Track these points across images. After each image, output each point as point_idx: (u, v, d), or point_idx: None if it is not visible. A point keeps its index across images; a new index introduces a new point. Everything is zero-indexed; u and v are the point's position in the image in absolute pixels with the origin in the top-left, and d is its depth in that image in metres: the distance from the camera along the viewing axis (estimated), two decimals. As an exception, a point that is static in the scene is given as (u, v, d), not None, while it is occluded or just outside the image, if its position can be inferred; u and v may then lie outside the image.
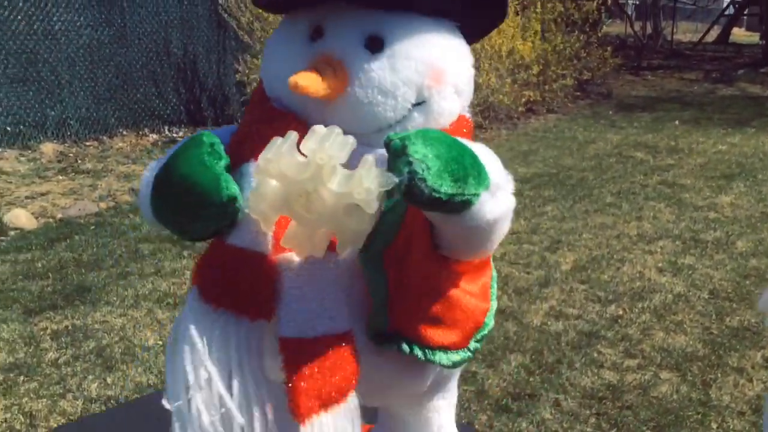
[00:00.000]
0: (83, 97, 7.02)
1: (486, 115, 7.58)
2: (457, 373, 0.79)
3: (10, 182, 5.71)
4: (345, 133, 0.60)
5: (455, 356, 0.70)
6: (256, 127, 0.66)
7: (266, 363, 0.65)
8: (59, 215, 4.90)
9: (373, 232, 0.62)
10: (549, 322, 3.19)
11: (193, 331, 0.64)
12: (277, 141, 0.57)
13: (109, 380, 2.72)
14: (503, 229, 0.67)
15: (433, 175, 0.55)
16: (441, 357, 0.68)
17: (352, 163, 0.58)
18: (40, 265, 3.95)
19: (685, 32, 18.88)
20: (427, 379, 0.71)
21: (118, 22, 7.16)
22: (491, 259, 0.74)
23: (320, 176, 0.56)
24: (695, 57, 14.60)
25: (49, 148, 6.65)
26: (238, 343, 0.63)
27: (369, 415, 0.85)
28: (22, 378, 2.76)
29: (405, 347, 0.67)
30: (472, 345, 0.71)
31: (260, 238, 0.64)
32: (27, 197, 5.33)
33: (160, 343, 3.04)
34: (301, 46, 0.66)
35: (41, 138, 6.74)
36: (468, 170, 0.57)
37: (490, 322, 0.74)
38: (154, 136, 7.46)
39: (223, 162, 0.63)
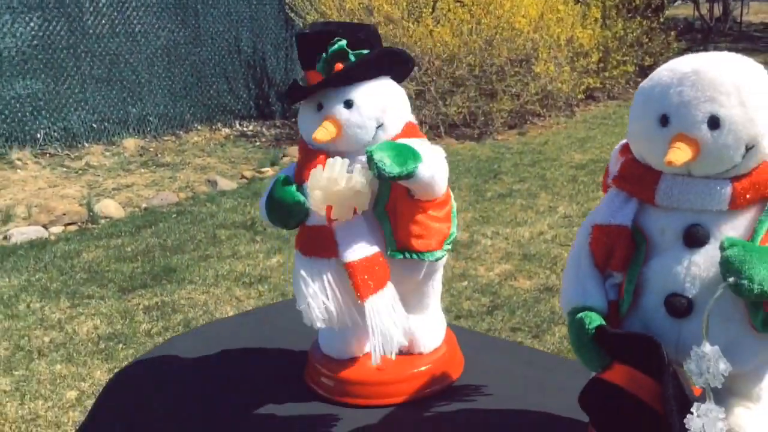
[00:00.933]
0: (161, 94, 7.49)
1: (544, 104, 7.73)
2: (440, 270, 1.30)
3: (98, 175, 6.21)
4: (344, 151, 1.16)
5: (437, 254, 1.21)
6: (305, 162, 1.20)
7: (338, 276, 1.18)
8: (144, 205, 5.35)
9: (377, 197, 1.17)
10: (594, 299, 3.41)
11: (301, 270, 1.18)
12: (312, 172, 1.11)
13: (195, 347, 3.09)
14: (441, 178, 1.16)
15: (387, 166, 1.06)
16: (428, 256, 1.20)
17: (352, 165, 1.13)
18: (129, 249, 4.38)
19: (757, 13, 18.39)
20: (421, 271, 1.24)
21: (192, 23, 7.60)
22: (450, 197, 1.25)
23: (336, 182, 1.10)
24: (765, 39, 14.28)
25: (131, 143, 7.15)
26: (322, 272, 1.17)
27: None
28: (120, 345, 3.16)
29: (407, 255, 1.19)
30: (445, 247, 1.22)
31: (320, 218, 1.16)
32: (114, 189, 5.81)
33: (238, 316, 3.40)
34: (313, 115, 1.18)
35: (124, 134, 7.24)
36: (406, 158, 1.09)
37: (454, 232, 1.25)
38: (226, 130, 7.89)
39: (294, 186, 1.17)
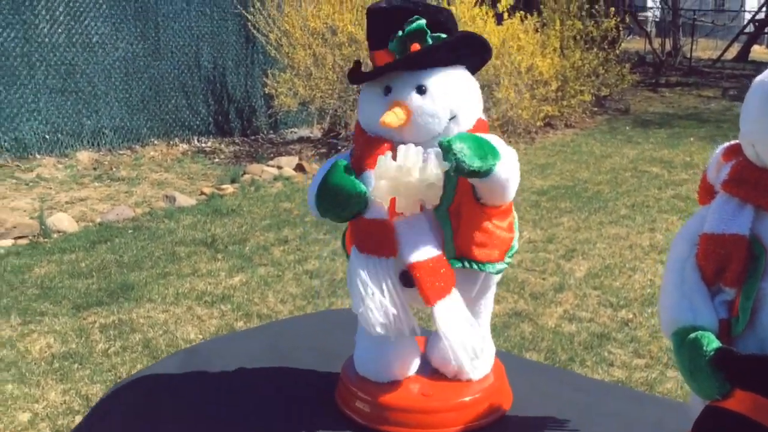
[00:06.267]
0: (118, 107, 7.32)
1: (505, 129, 7.79)
2: (493, 287, 1.19)
3: (50, 188, 6.00)
4: (411, 141, 1.05)
5: (497, 266, 1.12)
6: (365, 149, 1.10)
7: (395, 281, 1.08)
8: (98, 219, 5.17)
9: (441, 196, 1.06)
10: (563, 324, 3.40)
11: (359, 269, 1.07)
12: (381, 159, 1.01)
13: (156, 368, 2.96)
14: (514, 182, 1.07)
15: (468, 158, 0.97)
16: (489, 267, 1.10)
17: (425, 155, 1.03)
18: (83, 265, 4.21)
19: (705, 49, 18.99)
20: (477, 284, 1.14)
21: (152, 36, 7.46)
22: (513, 208, 1.16)
23: (409, 172, 1.00)
24: (714, 74, 14.72)
25: (84, 156, 6.94)
26: (380, 272, 1.07)
27: (426, 331, 1.27)
28: (76, 366, 3.01)
29: (467, 264, 1.09)
30: (506, 259, 1.13)
31: (382, 211, 1.08)
32: (67, 202, 5.61)
33: (201, 337, 3.27)
34: (380, 99, 1.09)
35: (77, 146, 7.04)
36: (486, 152, 1.00)
37: (516, 245, 1.17)
38: (184, 146, 7.74)
39: (353, 175, 1.07)
